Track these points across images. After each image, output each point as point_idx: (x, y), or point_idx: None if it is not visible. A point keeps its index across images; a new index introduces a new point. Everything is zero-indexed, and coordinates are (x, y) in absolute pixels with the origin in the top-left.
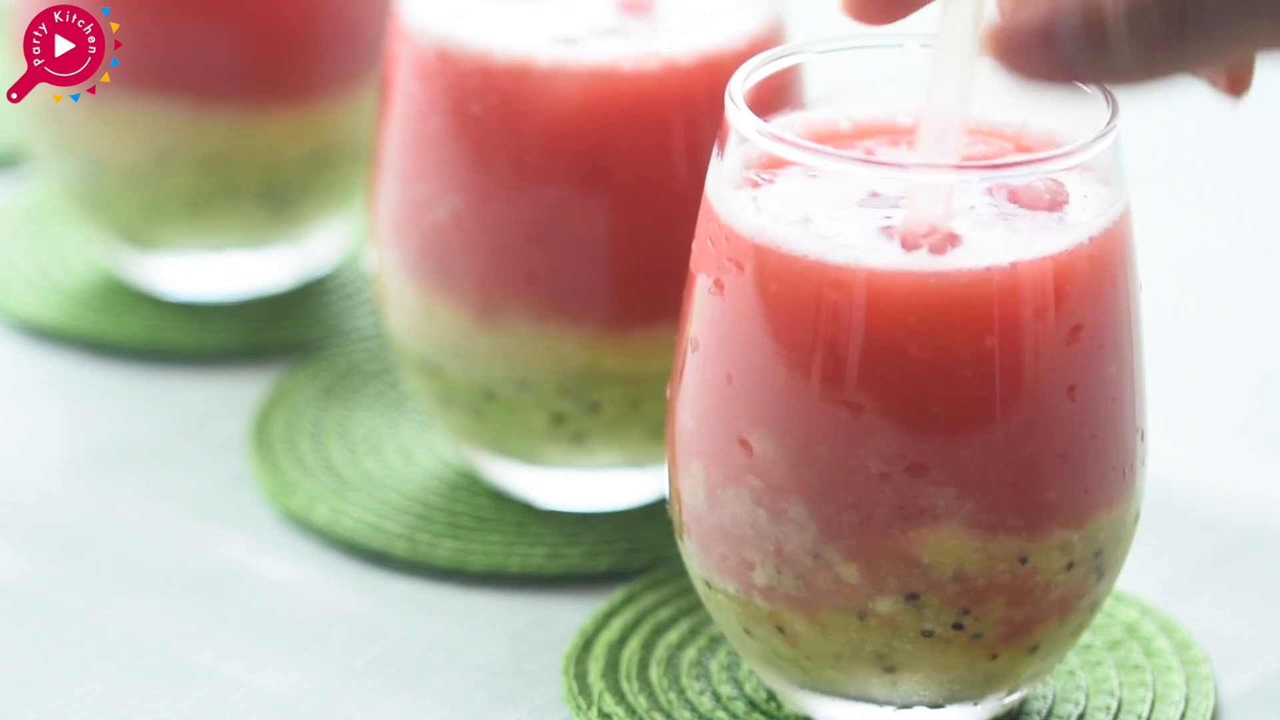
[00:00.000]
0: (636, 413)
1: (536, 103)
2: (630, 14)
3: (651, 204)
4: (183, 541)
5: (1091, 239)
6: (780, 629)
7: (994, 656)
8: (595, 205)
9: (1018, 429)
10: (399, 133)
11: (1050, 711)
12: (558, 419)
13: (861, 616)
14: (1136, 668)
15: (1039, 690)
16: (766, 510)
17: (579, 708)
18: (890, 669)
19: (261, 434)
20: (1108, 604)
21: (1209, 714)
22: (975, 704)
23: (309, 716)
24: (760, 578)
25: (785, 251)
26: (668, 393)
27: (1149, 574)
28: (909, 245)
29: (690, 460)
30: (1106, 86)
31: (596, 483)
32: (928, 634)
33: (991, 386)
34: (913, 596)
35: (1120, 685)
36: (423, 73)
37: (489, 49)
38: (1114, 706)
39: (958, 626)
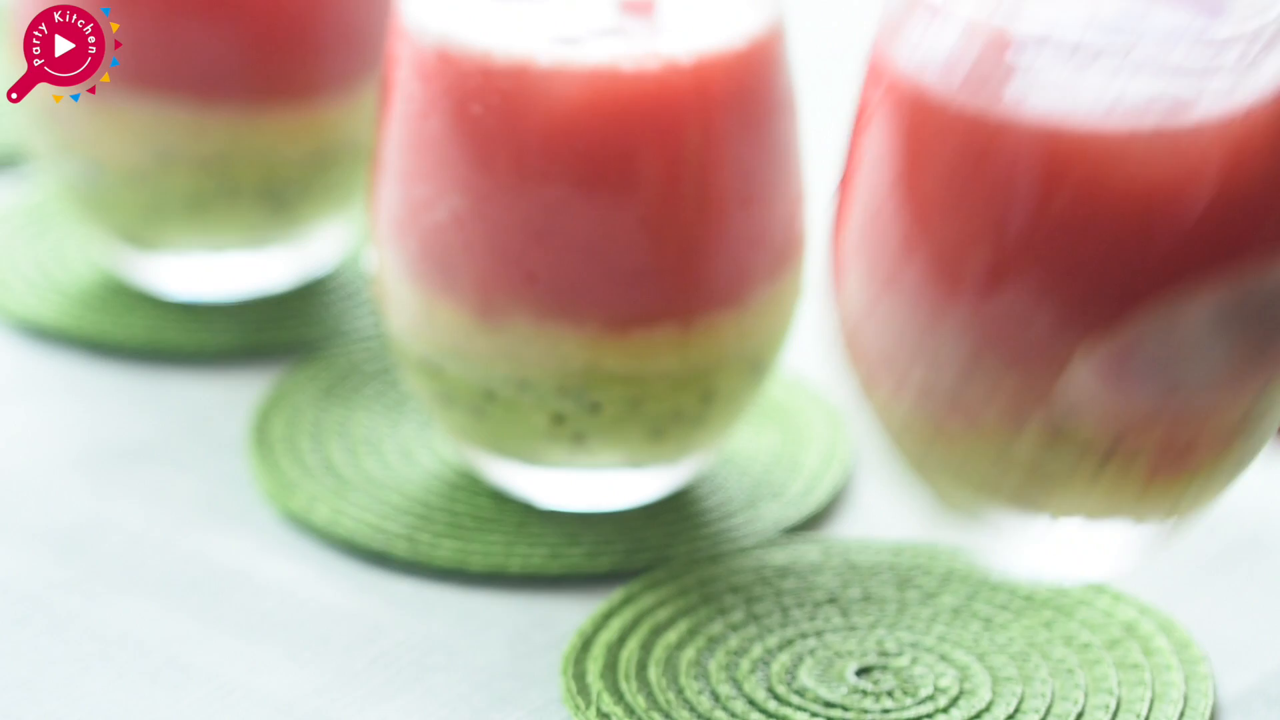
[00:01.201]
0: (636, 413)
1: (536, 103)
2: (630, 14)
3: (651, 204)
4: (183, 542)
5: None
6: (932, 440)
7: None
8: (595, 205)
9: None
10: (399, 133)
11: (1049, 710)
12: (558, 419)
13: (1017, 428)
14: (1135, 666)
15: (1037, 689)
16: (925, 315)
17: (577, 707)
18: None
19: (261, 434)
20: (1106, 603)
21: (1207, 713)
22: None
23: (309, 716)
24: (913, 385)
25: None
26: (832, 200)
27: (1149, 575)
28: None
29: (851, 263)
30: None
31: (596, 483)
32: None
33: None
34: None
35: (1119, 684)
36: (423, 73)
37: (489, 49)
38: (1113, 705)
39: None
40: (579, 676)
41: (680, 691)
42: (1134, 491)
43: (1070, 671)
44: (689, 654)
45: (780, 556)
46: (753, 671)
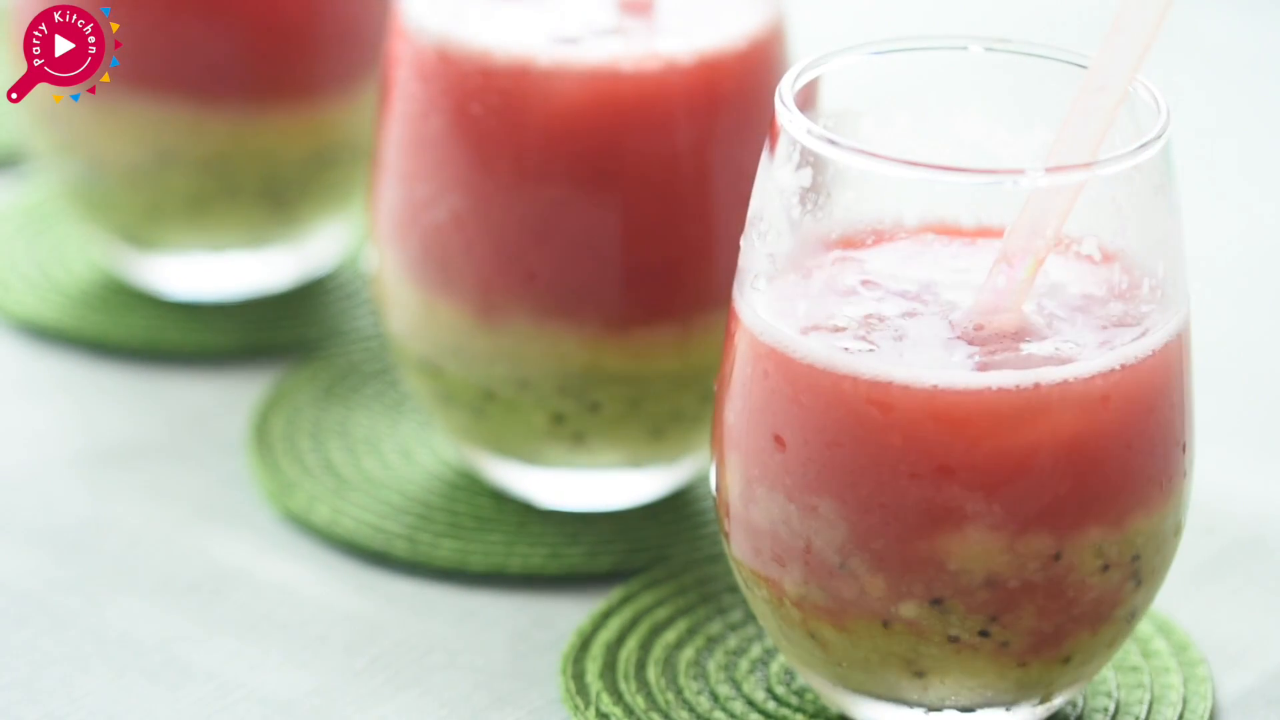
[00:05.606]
0: (636, 413)
1: (536, 103)
2: (630, 14)
3: (651, 204)
4: (183, 542)
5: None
6: (811, 635)
7: (1023, 665)
8: (595, 205)
9: (1047, 433)
10: (399, 133)
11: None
12: (558, 419)
13: (886, 624)
14: (1134, 669)
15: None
16: (797, 507)
17: (576, 707)
18: (919, 674)
19: (261, 434)
20: None
21: (1206, 715)
22: (1008, 710)
23: (309, 716)
24: (791, 579)
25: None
26: (715, 387)
27: None
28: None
29: (729, 456)
30: None
31: (596, 483)
32: (954, 640)
33: (1022, 393)
34: (937, 602)
35: (1118, 686)
36: (423, 73)
37: (489, 49)
38: (1111, 707)
39: (984, 634)
40: (578, 676)
41: (679, 691)
42: (1011, 677)
43: None
44: (688, 654)
45: None
46: (752, 672)
